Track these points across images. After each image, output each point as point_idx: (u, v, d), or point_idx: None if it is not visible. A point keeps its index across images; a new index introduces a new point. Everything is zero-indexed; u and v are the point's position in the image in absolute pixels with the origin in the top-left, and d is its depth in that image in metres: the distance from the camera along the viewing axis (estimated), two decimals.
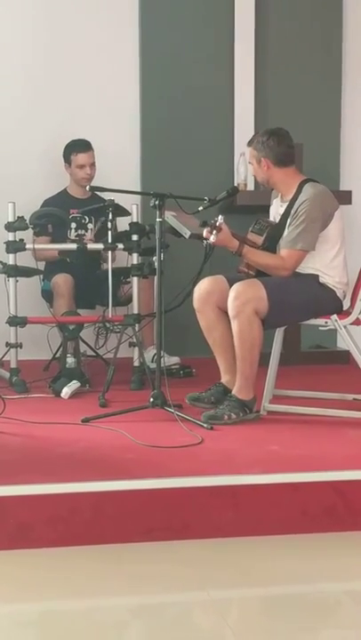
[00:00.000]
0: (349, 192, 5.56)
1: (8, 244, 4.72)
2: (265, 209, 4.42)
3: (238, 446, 3.62)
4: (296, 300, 4.00)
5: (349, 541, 3.06)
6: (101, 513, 3.01)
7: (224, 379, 4.17)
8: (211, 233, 3.92)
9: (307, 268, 4.08)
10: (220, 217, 3.95)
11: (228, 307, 3.94)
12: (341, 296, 4.11)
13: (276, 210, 4.24)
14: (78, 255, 4.90)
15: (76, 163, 5.31)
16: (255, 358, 3.96)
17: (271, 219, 4.26)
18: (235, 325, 3.93)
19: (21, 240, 4.74)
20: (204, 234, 3.96)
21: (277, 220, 4.17)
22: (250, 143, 4.19)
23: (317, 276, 4.06)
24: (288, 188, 4.13)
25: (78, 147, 5.30)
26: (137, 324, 4.78)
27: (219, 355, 4.17)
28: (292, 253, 4.03)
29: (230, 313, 3.94)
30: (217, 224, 3.91)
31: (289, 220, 4.06)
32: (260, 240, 4.12)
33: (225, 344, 4.10)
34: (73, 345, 4.71)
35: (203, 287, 4.14)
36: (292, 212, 4.05)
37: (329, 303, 4.06)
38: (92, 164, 5.32)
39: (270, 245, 4.12)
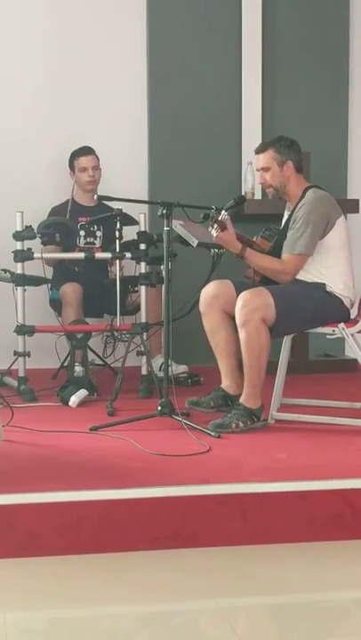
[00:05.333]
0: (357, 200, 5.54)
1: (16, 253, 4.73)
2: (272, 217, 4.43)
3: (246, 454, 3.62)
4: (303, 309, 4.01)
5: (357, 550, 3.05)
6: (109, 521, 3.01)
7: (224, 383, 4.17)
8: (212, 227, 3.94)
9: (313, 276, 4.08)
10: (223, 212, 3.95)
11: (236, 315, 3.95)
12: (349, 305, 4.11)
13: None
14: (86, 264, 4.92)
15: (79, 166, 5.34)
16: (263, 366, 3.96)
17: None
18: (242, 333, 3.93)
19: (29, 249, 4.75)
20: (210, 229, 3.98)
21: None
22: (265, 148, 4.16)
23: (324, 284, 4.07)
24: (296, 195, 4.14)
25: (80, 151, 5.36)
26: (145, 333, 4.79)
27: (221, 359, 4.17)
28: (291, 258, 4.05)
29: (238, 321, 3.95)
30: (219, 218, 3.92)
31: (290, 225, 4.08)
32: (267, 246, 4.16)
33: (228, 348, 4.11)
34: (81, 354, 4.72)
35: (209, 290, 4.15)
36: (292, 217, 4.07)
37: (336, 311, 4.06)
38: (95, 168, 5.34)
39: (275, 251, 4.14)
